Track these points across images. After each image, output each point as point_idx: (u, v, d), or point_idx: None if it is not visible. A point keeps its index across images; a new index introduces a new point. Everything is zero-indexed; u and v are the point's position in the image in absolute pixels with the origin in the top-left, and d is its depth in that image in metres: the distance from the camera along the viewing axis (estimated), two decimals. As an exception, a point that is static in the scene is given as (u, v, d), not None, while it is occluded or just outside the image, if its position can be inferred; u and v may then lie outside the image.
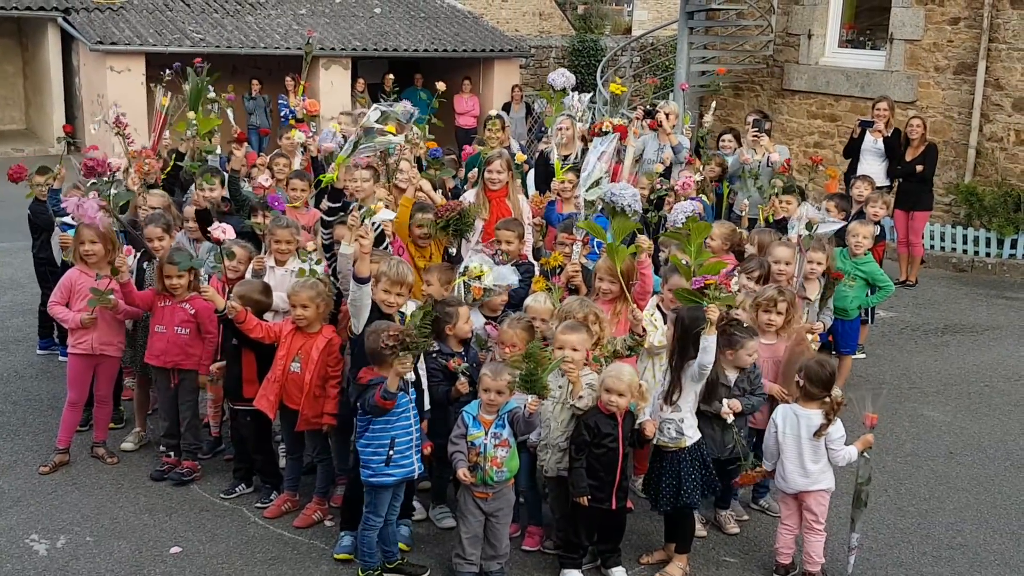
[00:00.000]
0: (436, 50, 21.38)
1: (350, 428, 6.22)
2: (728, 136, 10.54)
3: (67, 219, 7.12)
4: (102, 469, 6.63)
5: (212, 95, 7.91)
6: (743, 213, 8.50)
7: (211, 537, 5.80)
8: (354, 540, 5.52)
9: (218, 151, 7.98)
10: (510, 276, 6.16)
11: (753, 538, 6.02)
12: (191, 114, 7.82)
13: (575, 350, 5.27)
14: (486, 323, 6.09)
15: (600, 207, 6.02)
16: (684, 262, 5.41)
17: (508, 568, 5.44)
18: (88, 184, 6.38)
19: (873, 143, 11.82)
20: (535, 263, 7.04)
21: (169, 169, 8.23)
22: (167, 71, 8.35)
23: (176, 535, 5.80)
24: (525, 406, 5.11)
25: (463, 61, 21.67)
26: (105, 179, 6.26)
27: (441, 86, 10.65)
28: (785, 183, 8.19)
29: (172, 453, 6.62)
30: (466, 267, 6.05)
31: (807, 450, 5.41)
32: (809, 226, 6.86)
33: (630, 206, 5.57)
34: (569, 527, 5.46)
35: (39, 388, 8.03)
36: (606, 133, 6.45)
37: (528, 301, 6.04)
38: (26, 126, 22.71)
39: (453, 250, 6.70)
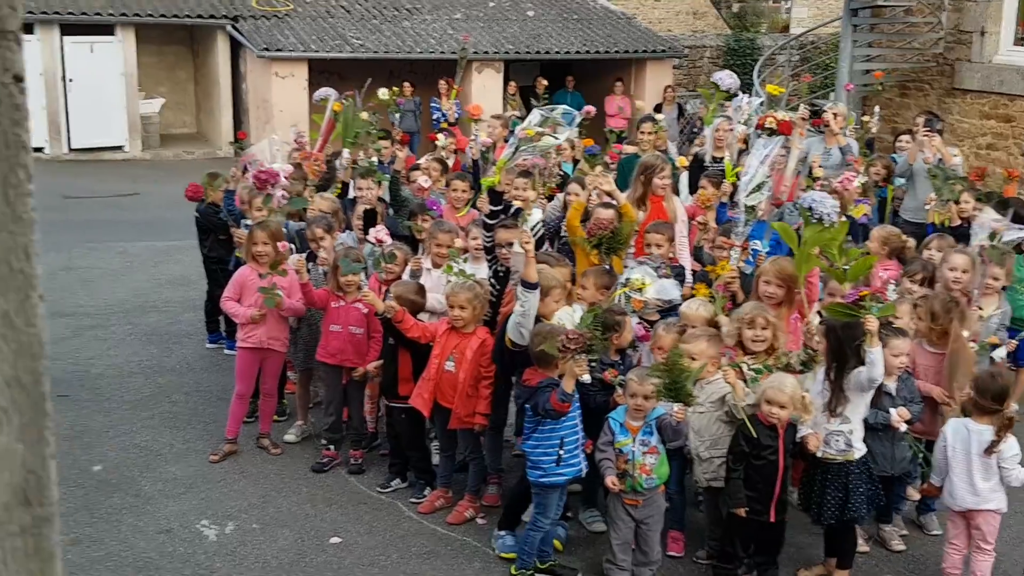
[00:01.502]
0: (588, 52, 21.36)
1: (502, 427, 6.32)
2: (906, 137, 10.16)
3: (247, 220, 7.47)
4: (267, 459, 6.90)
5: (387, 96, 8.11)
6: (929, 207, 8.15)
7: (369, 529, 5.96)
8: (515, 540, 5.57)
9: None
10: (672, 291, 6.10)
11: (919, 556, 5.77)
12: (346, 152, 8.06)
13: (693, 359, 5.18)
14: (637, 323, 6.05)
15: (760, 213, 5.88)
16: (834, 266, 5.24)
17: (660, 575, 5.39)
18: (264, 196, 6.67)
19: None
20: (686, 267, 6.96)
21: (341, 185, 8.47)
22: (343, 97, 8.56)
23: (336, 526, 5.99)
24: (672, 414, 5.06)
25: (615, 62, 21.56)
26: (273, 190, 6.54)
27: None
28: (974, 191, 7.81)
29: (332, 447, 6.83)
30: (627, 278, 6.03)
31: (977, 467, 5.14)
32: (992, 236, 6.50)
33: (828, 215, 5.41)
34: (725, 538, 5.37)
35: (208, 380, 8.40)
36: (772, 130, 6.29)
37: (683, 307, 5.98)
38: (196, 130, 23.87)
39: (606, 266, 6.68)
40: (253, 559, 5.61)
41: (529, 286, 5.46)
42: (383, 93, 8.72)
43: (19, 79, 0.70)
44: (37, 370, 0.74)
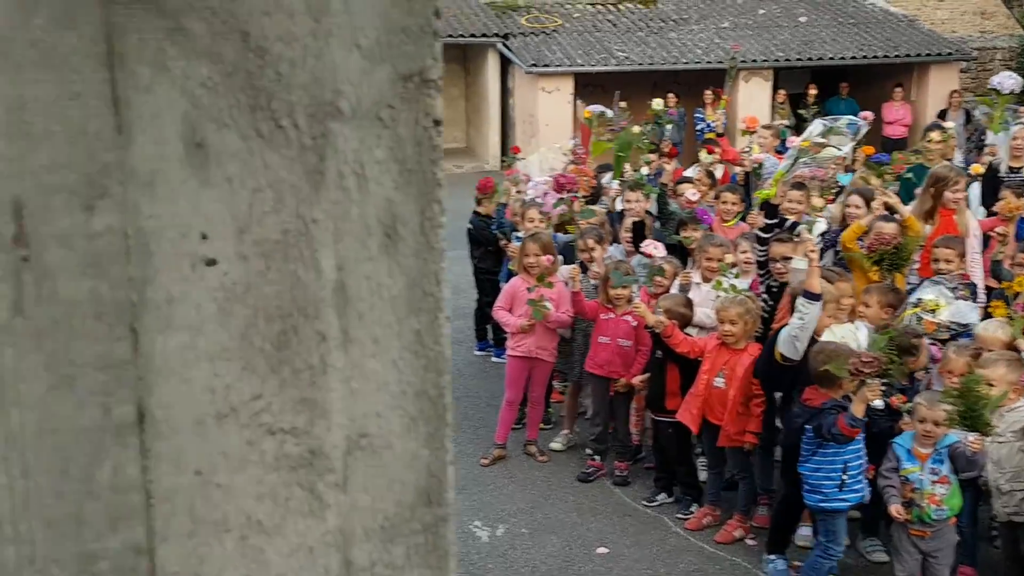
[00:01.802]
0: (864, 57, 20.41)
1: (772, 447, 6.13)
2: None
3: (518, 232, 7.71)
4: (534, 466, 7.04)
5: (660, 107, 8.15)
6: None
7: (635, 542, 5.95)
8: (787, 564, 5.40)
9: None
10: (970, 314, 5.70)
11: None
12: (614, 183, 8.12)
13: (991, 385, 4.77)
14: (930, 343, 5.69)
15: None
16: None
17: (950, 614, 5.04)
18: (555, 201, 6.87)
19: None
20: (979, 285, 6.47)
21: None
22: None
23: (602, 536, 6.02)
24: (966, 443, 4.72)
25: (895, 67, 20.46)
26: (568, 195, 6.72)
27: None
28: None
29: (598, 457, 6.89)
30: (920, 299, 5.70)
31: None
32: None
33: None
34: (1025, 580, 4.94)
35: (477, 386, 8.67)
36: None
37: (978, 328, 5.57)
38: (466, 144, 24.91)
39: (890, 283, 6.35)
40: (523, 563, 5.74)
41: (812, 297, 5.27)
42: (657, 103, 8.71)
43: (437, 123, 0.76)
44: (441, 384, 0.80)
